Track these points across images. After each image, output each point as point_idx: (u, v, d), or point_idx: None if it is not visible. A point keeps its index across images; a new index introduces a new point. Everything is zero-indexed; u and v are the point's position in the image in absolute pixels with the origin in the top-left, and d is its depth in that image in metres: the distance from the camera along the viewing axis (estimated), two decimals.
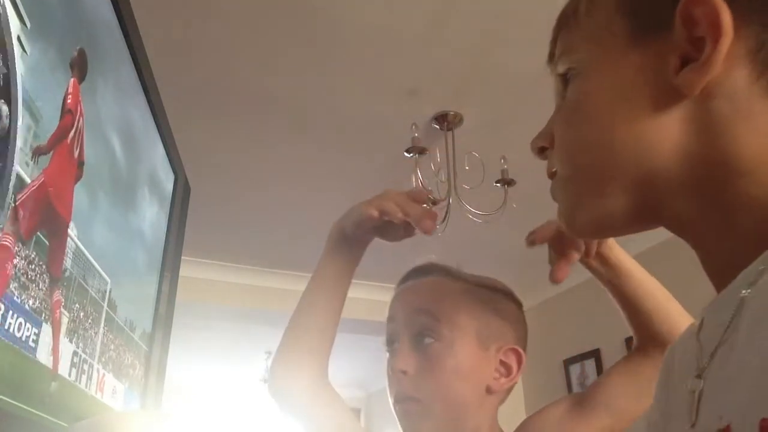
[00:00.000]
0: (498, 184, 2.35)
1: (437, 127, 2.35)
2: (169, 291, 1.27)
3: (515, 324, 0.76)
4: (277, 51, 1.99)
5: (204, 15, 1.85)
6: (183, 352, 5.37)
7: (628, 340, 0.77)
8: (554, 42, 0.50)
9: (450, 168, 2.31)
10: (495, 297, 0.77)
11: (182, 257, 1.39)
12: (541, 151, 0.51)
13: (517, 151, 2.47)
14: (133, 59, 1.00)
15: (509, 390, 0.74)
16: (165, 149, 1.24)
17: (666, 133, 0.40)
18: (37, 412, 0.66)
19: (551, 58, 0.51)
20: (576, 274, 0.72)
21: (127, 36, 0.96)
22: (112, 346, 0.93)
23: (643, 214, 0.44)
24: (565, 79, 0.47)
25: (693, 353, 0.43)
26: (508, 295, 0.78)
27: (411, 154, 2.22)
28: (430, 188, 2.30)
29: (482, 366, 0.71)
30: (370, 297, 4.14)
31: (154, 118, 1.14)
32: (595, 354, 3.48)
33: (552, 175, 0.49)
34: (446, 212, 2.26)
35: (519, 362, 0.72)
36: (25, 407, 0.62)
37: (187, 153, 1.49)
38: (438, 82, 2.16)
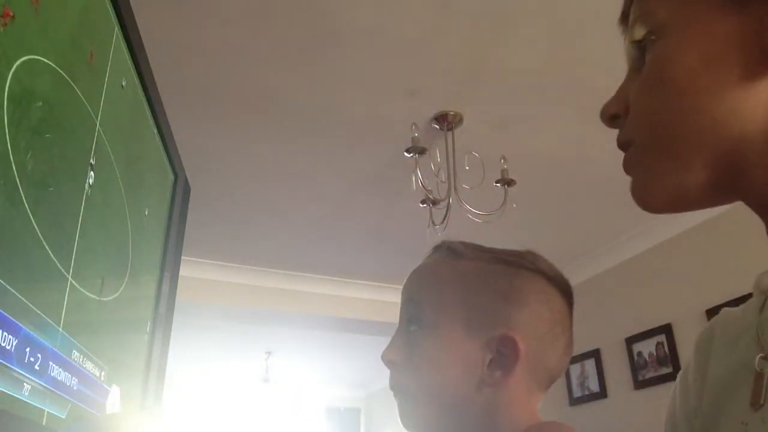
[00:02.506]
0: (498, 184, 2.35)
1: (437, 127, 2.35)
2: (169, 291, 1.27)
3: (529, 305, 0.64)
4: (278, 51, 1.99)
5: (204, 15, 1.85)
6: (183, 352, 5.37)
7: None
8: (629, 2, 0.48)
9: (450, 168, 2.31)
10: (505, 276, 0.65)
11: (182, 257, 1.39)
12: (613, 119, 0.48)
13: (517, 151, 2.47)
14: (133, 59, 1.00)
15: (523, 382, 0.62)
16: (165, 149, 1.24)
17: (758, 101, 0.39)
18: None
19: (624, 18, 0.49)
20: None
21: (127, 36, 0.96)
22: None
23: (723, 188, 0.42)
24: (640, 44, 0.45)
25: (748, 333, 0.41)
26: (532, 271, 0.66)
27: (411, 154, 2.22)
28: (429, 188, 2.30)
29: (469, 356, 0.63)
30: (370, 297, 4.15)
31: (154, 118, 1.14)
32: (595, 354, 3.48)
33: (623, 146, 0.47)
34: (446, 212, 2.26)
35: (515, 352, 0.61)
36: None
37: (187, 153, 1.49)
38: (438, 82, 2.16)
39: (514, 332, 0.62)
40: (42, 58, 0.69)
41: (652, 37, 0.44)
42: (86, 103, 0.82)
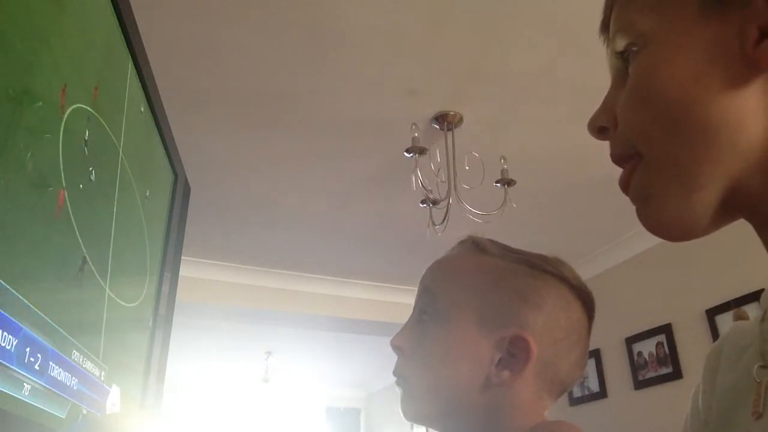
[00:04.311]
0: (498, 184, 2.35)
1: (437, 127, 2.35)
2: (169, 291, 1.27)
3: (547, 309, 0.63)
4: (278, 51, 1.99)
5: (205, 15, 1.85)
6: (183, 352, 5.37)
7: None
8: (609, 9, 0.47)
9: (450, 168, 2.31)
10: (526, 276, 0.64)
11: (182, 257, 1.39)
12: (601, 131, 0.47)
13: (517, 151, 2.48)
14: (133, 59, 1.00)
15: (532, 386, 0.61)
16: (165, 149, 1.24)
17: (746, 110, 0.38)
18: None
19: (605, 26, 0.48)
20: None
21: (127, 36, 0.96)
22: None
23: (727, 205, 0.40)
24: (623, 55, 0.44)
25: (753, 344, 0.42)
26: (555, 276, 0.65)
27: (411, 154, 2.22)
28: (429, 188, 2.30)
29: (479, 352, 0.61)
30: (370, 297, 4.15)
31: (154, 118, 1.15)
32: (596, 354, 3.48)
33: (618, 160, 0.45)
34: (446, 212, 2.26)
35: (527, 354, 0.60)
36: None
37: (187, 153, 1.49)
38: (438, 82, 2.16)
39: (527, 334, 0.60)
40: (83, 106, 0.79)
41: (634, 48, 0.43)
42: (113, 138, 0.92)
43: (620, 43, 0.44)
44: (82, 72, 0.80)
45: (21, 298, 0.63)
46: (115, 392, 0.94)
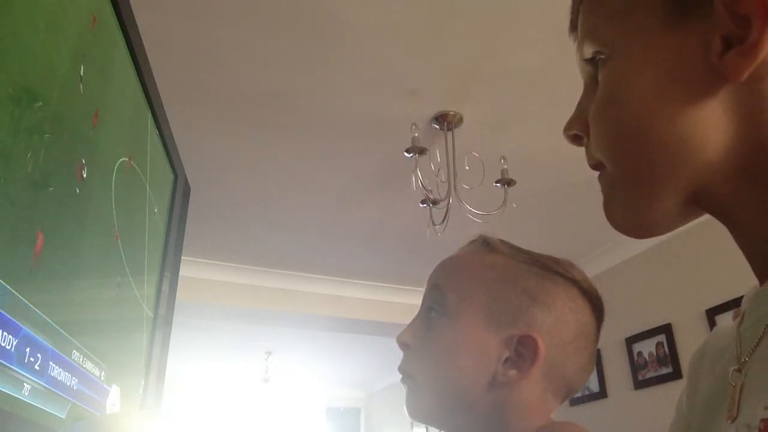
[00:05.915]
0: (498, 184, 2.35)
1: (437, 127, 2.35)
2: (169, 291, 1.27)
3: (556, 310, 0.62)
4: (278, 51, 1.99)
5: (205, 15, 1.85)
6: (183, 352, 5.37)
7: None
8: (576, 11, 0.46)
9: (450, 168, 2.31)
10: (537, 276, 0.64)
11: (182, 257, 1.39)
12: (576, 139, 0.47)
13: (517, 151, 2.48)
14: (133, 59, 1.00)
15: (538, 386, 0.61)
16: (165, 149, 1.24)
17: (712, 121, 0.37)
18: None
19: (574, 27, 0.47)
20: None
21: (127, 36, 0.96)
22: None
23: (690, 210, 0.42)
24: (592, 61, 0.43)
25: (730, 347, 0.42)
26: (566, 279, 0.65)
27: (411, 154, 2.22)
28: (429, 188, 2.30)
29: (486, 349, 0.61)
30: (370, 297, 4.15)
31: (154, 118, 1.15)
32: (596, 354, 3.48)
33: (595, 167, 0.46)
34: (446, 212, 2.26)
35: (534, 353, 0.59)
36: None
37: (187, 153, 1.49)
38: (438, 82, 2.16)
39: (536, 333, 0.60)
40: (125, 158, 0.99)
41: (602, 56, 0.42)
42: (143, 178, 1.09)
43: (588, 50, 0.43)
44: (119, 144, 0.99)
45: (22, 298, 0.63)
46: (115, 392, 0.94)
